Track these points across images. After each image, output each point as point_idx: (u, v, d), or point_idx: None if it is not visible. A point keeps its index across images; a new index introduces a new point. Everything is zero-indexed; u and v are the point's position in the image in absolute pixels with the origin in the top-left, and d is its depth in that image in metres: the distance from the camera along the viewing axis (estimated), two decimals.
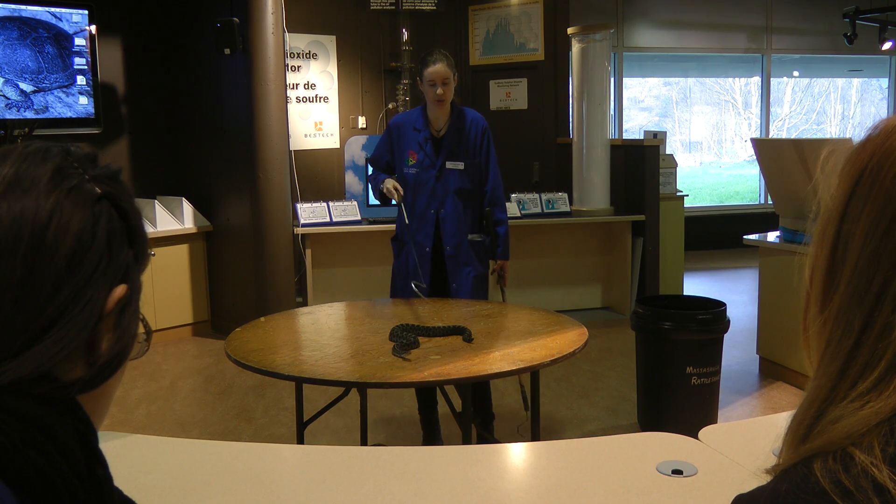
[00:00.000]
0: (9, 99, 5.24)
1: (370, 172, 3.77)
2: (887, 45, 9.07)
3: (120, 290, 0.72)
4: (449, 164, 3.57)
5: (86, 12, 5.53)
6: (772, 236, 4.91)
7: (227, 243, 5.95)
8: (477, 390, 3.52)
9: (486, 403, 3.64)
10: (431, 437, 3.70)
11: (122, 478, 0.76)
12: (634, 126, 12.17)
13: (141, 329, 0.79)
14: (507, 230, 3.65)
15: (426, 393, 3.66)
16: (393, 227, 5.83)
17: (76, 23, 5.50)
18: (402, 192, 3.50)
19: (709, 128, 15.32)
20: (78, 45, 5.52)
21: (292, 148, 5.93)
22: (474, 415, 3.45)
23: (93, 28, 5.58)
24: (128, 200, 0.75)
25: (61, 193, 0.69)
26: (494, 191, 3.63)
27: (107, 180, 0.73)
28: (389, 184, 3.50)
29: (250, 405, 4.54)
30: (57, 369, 0.67)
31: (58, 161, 0.71)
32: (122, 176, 0.77)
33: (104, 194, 0.72)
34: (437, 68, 3.46)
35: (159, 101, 6.26)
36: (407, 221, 3.52)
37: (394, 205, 3.59)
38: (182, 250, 5.90)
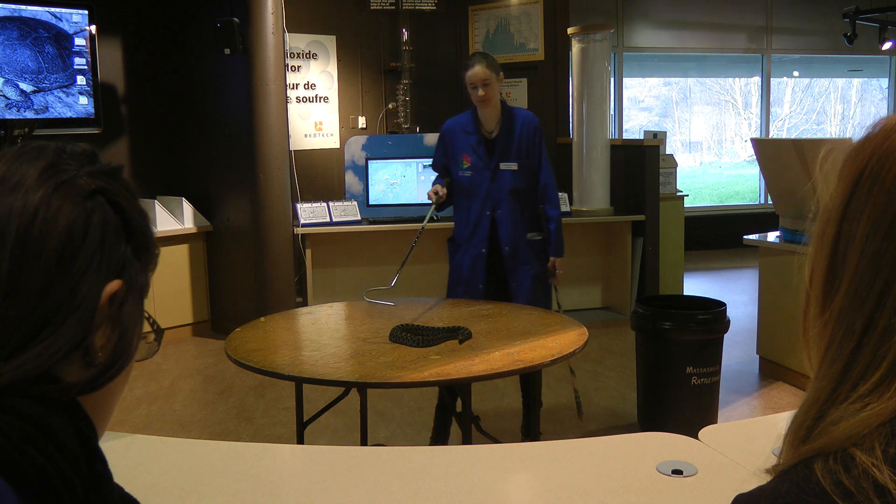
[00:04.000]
0: (9, 99, 5.24)
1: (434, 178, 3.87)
2: (887, 45, 9.07)
3: (113, 285, 0.70)
4: (503, 166, 3.60)
5: (86, 12, 5.53)
6: (772, 236, 4.91)
7: (227, 243, 5.95)
8: (530, 380, 3.54)
9: (536, 392, 3.68)
10: (441, 437, 3.71)
11: (122, 478, 0.76)
12: (634, 126, 12.17)
13: (147, 328, 0.78)
14: (559, 226, 3.65)
15: (450, 392, 3.66)
16: (392, 227, 5.90)
17: (76, 23, 5.50)
18: (441, 195, 3.55)
19: (709, 128, 15.32)
20: (78, 45, 5.52)
21: (292, 148, 5.93)
22: (524, 404, 3.41)
23: (93, 28, 5.57)
24: (125, 196, 0.74)
25: (49, 188, 0.68)
26: (546, 188, 3.65)
27: (102, 176, 0.73)
28: (432, 189, 3.59)
29: (250, 405, 4.54)
30: (57, 369, 0.67)
31: (51, 158, 0.71)
32: (122, 173, 0.76)
33: (98, 189, 0.71)
34: (476, 70, 3.50)
35: (159, 101, 6.26)
36: (422, 224, 3.61)
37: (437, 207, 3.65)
38: (182, 250, 5.90)
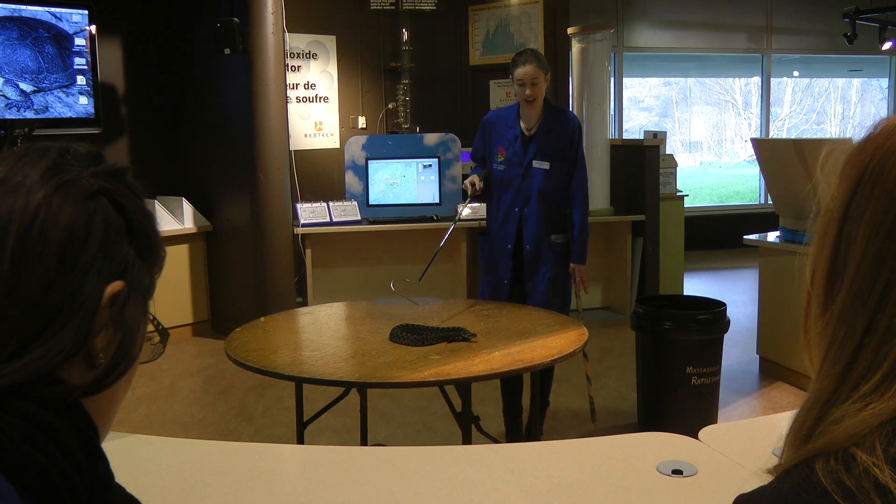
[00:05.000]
0: (9, 99, 5.24)
1: (472, 168, 3.89)
2: (887, 45, 9.07)
3: (114, 286, 0.70)
4: (535, 164, 3.59)
5: (86, 12, 5.52)
6: (772, 236, 4.91)
7: (227, 243, 5.95)
8: (543, 377, 3.56)
9: (546, 389, 3.70)
10: (512, 429, 3.75)
11: (121, 478, 0.76)
12: (634, 126, 12.17)
13: (150, 328, 0.78)
14: (583, 233, 3.60)
15: (510, 385, 3.69)
16: (392, 227, 5.90)
17: (76, 23, 5.50)
18: (478, 187, 3.58)
19: (709, 128, 15.33)
20: (78, 45, 5.52)
21: (292, 148, 5.93)
22: (532, 403, 3.50)
23: (93, 28, 5.57)
24: (128, 197, 0.73)
25: (51, 188, 0.68)
26: (576, 192, 3.63)
27: (105, 177, 0.72)
28: (469, 180, 3.63)
29: (250, 405, 4.54)
30: (60, 371, 0.67)
31: (54, 158, 0.71)
32: (127, 174, 0.75)
33: (100, 190, 0.71)
34: (527, 69, 3.49)
35: (159, 101, 6.26)
36: (456, 217, 3.70)
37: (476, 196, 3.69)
38: (182, 250, 5.90)
